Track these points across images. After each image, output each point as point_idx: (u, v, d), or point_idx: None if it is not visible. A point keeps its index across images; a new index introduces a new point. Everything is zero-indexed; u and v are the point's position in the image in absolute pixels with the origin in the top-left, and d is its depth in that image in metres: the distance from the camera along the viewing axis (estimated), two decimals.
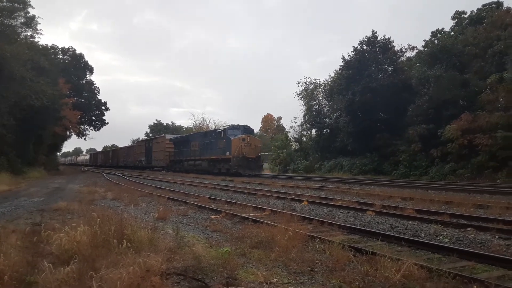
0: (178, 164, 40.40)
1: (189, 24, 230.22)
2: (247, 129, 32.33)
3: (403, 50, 34.52)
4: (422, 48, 32.71)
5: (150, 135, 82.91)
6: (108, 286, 3.67)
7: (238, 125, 32.82)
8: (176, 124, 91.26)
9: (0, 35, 28.41)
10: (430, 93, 28.09)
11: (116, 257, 4.57)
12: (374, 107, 31.79)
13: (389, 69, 33.44)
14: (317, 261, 5.28)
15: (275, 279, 4.49)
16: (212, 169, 33.12)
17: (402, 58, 34.42)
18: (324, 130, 41.59)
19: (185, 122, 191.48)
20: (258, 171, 30.94)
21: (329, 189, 16.84)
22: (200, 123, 76.36)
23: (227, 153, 30.27)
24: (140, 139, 75.05)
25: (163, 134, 52.04)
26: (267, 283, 4.32)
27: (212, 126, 76.25)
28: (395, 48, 33.88)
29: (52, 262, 4.47)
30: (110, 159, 70.61)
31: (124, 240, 5.18)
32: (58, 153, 71.38)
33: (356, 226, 7.85)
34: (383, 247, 5.89)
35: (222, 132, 32.18)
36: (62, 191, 17.22)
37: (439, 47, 29.50)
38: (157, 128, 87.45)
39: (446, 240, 6.81)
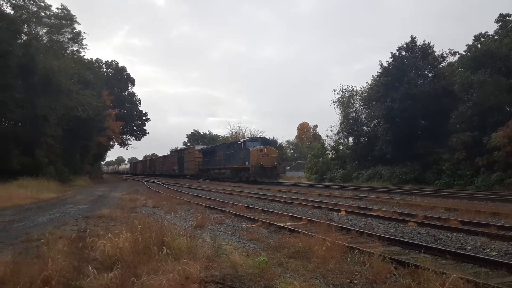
0: (206, 173, 43.16)
1: (223, 34, 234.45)
2: (265, 141, 36.22)
3: (444, 55, 33.34)
4: (464, 53, 31.43)
5: (188, 144, 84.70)
6: None
7: (257, 137, 37.81)
8: (212, 133, 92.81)
9: (48, 50, 30.21)
10: (474, 99, 26.89)
11: (157, 263, 4.67)
12: (414, 114, 30.84)
13: (430, 75, 32.36)
14: (357, 273, 5.15)
15: None
16: (234, 177, 35.61)
17: (443, 64, 33.22)
18: (362, 138, 40.76)
19: (221, 131, 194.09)
20: (274, 179, 33.05)
21: (367, 199, 16.43)
22: (236, 132, 77.09)
23: (247, 163, 32.90)
24: (179, 147, 76.88)
25: (194, 145, 56.41)
26: None
27: (248, 135, 76.81)
28: (436, 54, 32.80)
29: (96, 267, 4.64)
30: (147, 168, 74.16)
31: (164, 247, 5.30)
32: (102, 162, 74.24)
33: (397, 237, 7.60)
34: (426, 259, 5.66)
35: (242, 144, 35.15)
36: (105, 199, 17.88)
37: (483, 51, 28.24)
38: (195, 138, 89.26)
39: (494, 253, 6.46)
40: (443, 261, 5.85)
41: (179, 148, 76.29)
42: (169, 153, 65.83)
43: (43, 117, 25.41)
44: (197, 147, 49.98)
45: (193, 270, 4.35)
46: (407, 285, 4.40)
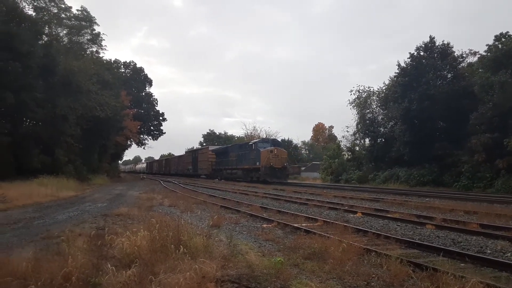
0: (219, 172, 44.16)
1: (238, 35, 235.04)
2: (275, 142, 37.29)
3: (464, 55, 32.70)
4: (485, 53, 30.78)
5: (204, 144, 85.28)
6: None
7: (267, 139, 39.68)
8: (228, 134, 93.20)
9: (69, 51, 30.85)
10: (494, 100, 26.29)
11: (174, 262, 4.72)
12: (432, 115, 30.34)
13: (449, 75, 31.78)
14: (374, 276, 5.10)
15: None
16: (246, 177, 36.58)
17: (462, 64, 32.60)
18: (379, 139, 40.31)
19: (237, 131, 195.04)
20: (284, 179, 33.88)
21: (384, 201, 16.24)
22: (251, 133, 77.23)
23: (257, 163, 33.97)
24: (194, 147, 77.46)
25: (207, 146, 57.96)
26: None
27: (263, 136, 76.85)
28: (455, 54, 32.19)
29: (115, 265, 4.71)
30: (163, 167, 75.67)
31: (181, 246, 5.34)
32: (119, 161, 75.38)
33: (415, 240, 7.49)
34: (444, 263, 5.56)
35: (253, 145, 36.15)
36: (123, 197, 18.14)
37: (504, 52, 27.60)
38: (210, 138, 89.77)
39: None
40: (462, 264, 5.74)
41: (194, 148, 76.97)
42: (184, 153, 66.65)
43: (62, 117, 25.95)
44: (211, 148, 51.25)
45: (210, 269, 4.37)
46: None
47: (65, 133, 26.52)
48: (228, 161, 41.54)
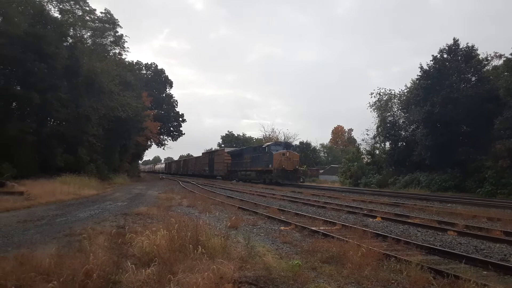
0: (234, 174, 45.47)
1: (259, 37, 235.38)
2: (287, 145, 38.47)
3: (489, 58, 31.82)
4: (511, 56, 29.94)
5: (222, 145, 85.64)
6: None
7: (280, 142, 41.49)
8: (246, 135, 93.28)
9: (92, 53, 31.53)
10: None
11: (192, 262, 4.76)
12: (455, 119, 29.65)
13: (473, 78, 30.99)
14: (393, 281, 5.02)
15: None
16: (259, 179, 37.87)
17: (487, 67, 31.73)
18: (399, 143, 39.65)
19: (255, 133, 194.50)
20: (295, 181, 34.95)
21: (405, 206, 15.96)
22: (269, 135, 77.16)
23: (270, 166, 35.30)
24: (213, 149, 78.01)
25: (223, 148, 59.65)
26: None
27: (281, 138, 76.70)
28: (480, 57, 31.38)
29: (135, 263, 4.78)
30: (181, 168, 77.31)
31: (199, 246, 5.39)
32: (139, 161, 76.54)
33: (436, 246, 7.33)
34: (466, 270, 5.44)
35: (267, 148, 37.60)
36: (142, 197, 18.41)
37: None
38: (229, 139, 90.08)
39: None
40: (485, 272, 5.60)
41: (213, 149, 77.52)
42: (201, 154, 67.45)
43: (85, 117, 26.54)
44: (226, 150, 52.87)
45: (227, 270, 4.39)
46: None
47: (88, 133, 27.11)
48: (242, 163, 42.86)
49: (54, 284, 3.89)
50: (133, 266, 4.38)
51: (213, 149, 79.20)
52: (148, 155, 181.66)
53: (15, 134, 20.86)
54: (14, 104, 24.43)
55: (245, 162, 42.12)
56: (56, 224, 9.34)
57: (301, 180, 38.65)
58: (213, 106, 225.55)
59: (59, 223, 9.52)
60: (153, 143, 61.80)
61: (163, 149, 70.52)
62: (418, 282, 4.82)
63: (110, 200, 15.96)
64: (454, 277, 4.85)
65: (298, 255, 6.43)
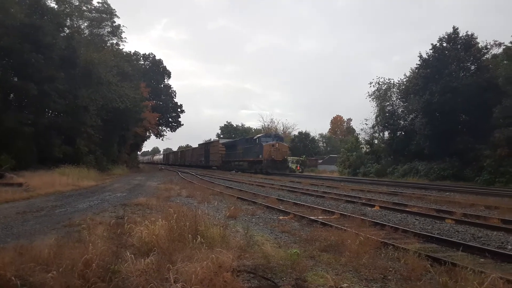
0: (228, 164, 47.56)
1: (259, 28, 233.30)
2: (277, 137, 40.72)
3: (489, 46, 31.65)
4: (510, 44, 29.78)
5: (221, 136, 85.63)
6: (183, 278, 3.85)
7: (270, 134, 43.89)
8: (245, 126, 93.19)
9: (89, 43, 31.29)
10: None
11: (191, 251, 4.78)
12: (454, 108, 29.61)
13: (472, 67, 30.89)
14: (391, 269, 5.06)
15: (345, 284, 4.39)
16: (250, 169, 39.77)
17: (487, 56, 31.60)
18: (398, 133, 39.65)
19: (254, 123, 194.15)
20: (284, 171, 37.00)
21: (403, 195, 16.04)
22: (268, 125, 77.18)
23: (260, 156, 37.23)
24: (212, 139, 78.04)
25: (218, 139, 62.51)
26: None
27: (280, 128, 76.75)
28: (479, 45, 31.23)
29: (134, 253, 4.80)
30: (179, 159, 79.16)
31: (198, 236, 5.42)
32: (138, 152, 76.48)
33: (434, 234, 7.39)
34: (463, 258, 5.47)
35: (257, 139, 39.44)
36: (141, 187, 18.46)
37: None
38: (227, 130, 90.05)
39: None
40: (482, 260, 5.65)
41: (211, 139, 77.63)
42: (197, 146, 68.07)
43: (83, 108, 26.43)
44: (221, 141, 55.41)
45: (226, 259, 4.41)
46: (443, 283, 4.28)
47: (86, 124, 27.02)
48: (236, 153, 44.92)
49: (54, 274, 3.91)
50: (132, 256, 4.39)
51: (211, 139, 79.31)
52: (147, 146, 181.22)
53: (13, 125, 20.77)
54: (11, 95, 24.30)
55: (238, 153, 43.98)
56: (55, 215, 9.37)
57: (289, 170, 40.72)
58: (212, 96, 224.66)
59: (58, 214, 9.54)
60: (151, 134, 61.70)
61: (162, 140, 70.51)
62: (416, 269, 4.86)
63: (109, 191, 15.99)
64: (451, 264, 4.89)
65: (297, 244, 6.47)
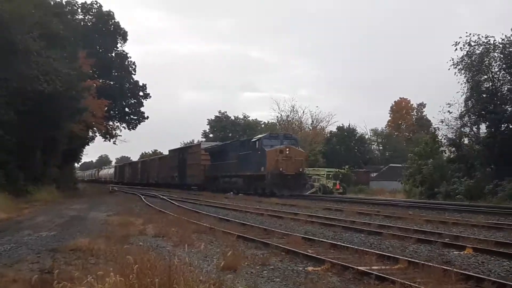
0: (214, 182, 49.42)
1: None
2: (287, 138, 41.18)
3: None
4: None
5: (211, 135, 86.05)
6: None
7: (276, 134, 44.41)
8: (249, 118, 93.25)
9: None
10: None
11: None
12: None
13: None
14: None
15: None
16: (248, 188, 41.05)
17: None
18: (503, 126, 39.45)
19: (264, 114, 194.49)
20: (299, 191, 37.75)
21: None
22: (288, 116, 76.80)
23: (262, 169, 37.78)
24: (192, 143, 78.42)
25: (199, 143, 64.80)
26: None
27: (307, 121, 76.42)
28: None
29: None
30: (139, 174, 79.64)
31: None
32: (76, 164, 76.99)
33: None
34: None
35: (257, 142, 40.20)
36: (82, 222, 18.54)
37: None
38: (221, 125, 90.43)
39: None
40: None
41: (192, 143, 77.90)
42: (167, 153, 67.91)
43: None
44: (203, 145, 56.22)
45: None
46: None
47: None
48: (225, 165, 46.09)
49: None
50: None
51: (193, 142, 79.57)
52: (90, 153, 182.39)
53: None
54: None
55: (229, 164, 44.94)
56: None
57: (307, 187, 41.08)
58: (196, 71, 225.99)
59: None
60: (97, 134, 62.00)
61: (114, 143, 69.90)
62: None
63: (29, 228, 16.05)
64: None
65: None
